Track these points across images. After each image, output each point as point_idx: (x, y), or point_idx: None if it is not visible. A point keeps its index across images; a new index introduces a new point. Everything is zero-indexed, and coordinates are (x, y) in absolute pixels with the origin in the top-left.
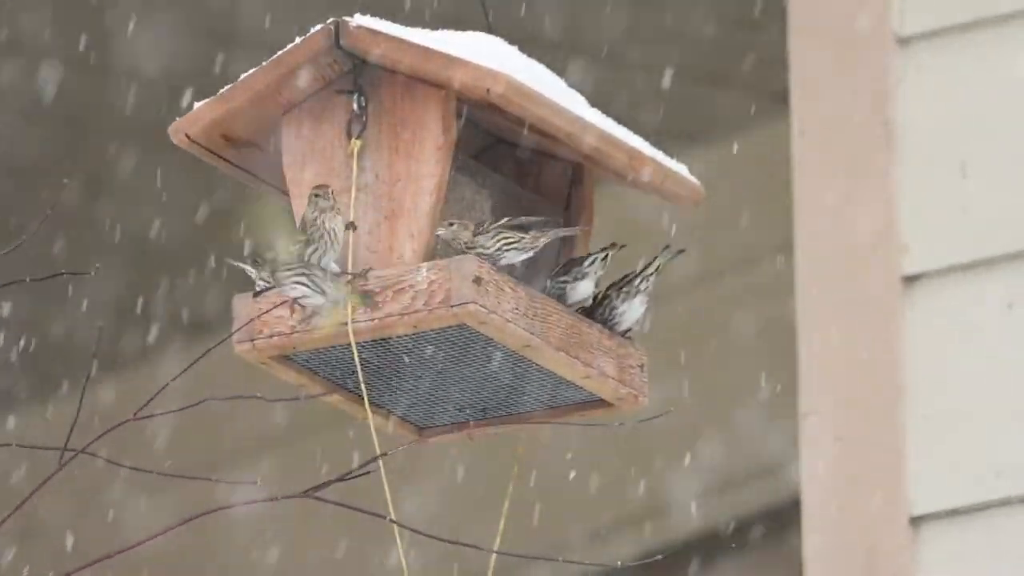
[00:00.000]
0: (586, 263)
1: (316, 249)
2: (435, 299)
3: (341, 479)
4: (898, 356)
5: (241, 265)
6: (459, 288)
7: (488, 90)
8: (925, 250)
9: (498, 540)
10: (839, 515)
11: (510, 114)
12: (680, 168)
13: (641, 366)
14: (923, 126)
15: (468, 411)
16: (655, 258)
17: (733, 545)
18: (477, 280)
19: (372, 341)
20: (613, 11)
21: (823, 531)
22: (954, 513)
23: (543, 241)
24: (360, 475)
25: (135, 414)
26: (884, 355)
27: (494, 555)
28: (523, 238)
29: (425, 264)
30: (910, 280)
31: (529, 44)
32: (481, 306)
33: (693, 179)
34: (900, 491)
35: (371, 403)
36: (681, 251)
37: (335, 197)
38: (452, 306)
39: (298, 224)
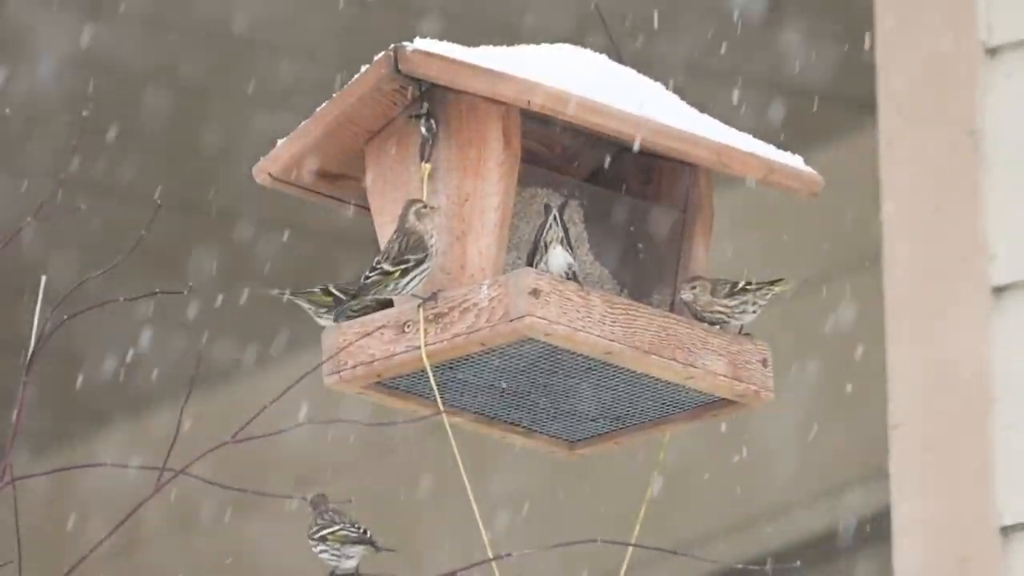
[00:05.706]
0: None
1: (428, 268)
2: (496, 315)
3: None
4: (987, 367)
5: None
6: (516, 302)
7: (529, 101)
8: (1014, 260)
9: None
10: (929, 525)
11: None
12: (791, 160)
13: (763, 361)
14: (1011, 136)
15: (602, 421)
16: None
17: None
18: (535, 292)
19: (469, 361)
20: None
21: (913, 541)
22: None
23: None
24: None
25: (233, 436)
26: (973, 366)
27: (630, 549)
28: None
29: (487, 281)
30: (999, 290)
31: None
32: (540, 318)
33: (807, 170)
34: (989, 501)
35: (505, 422)
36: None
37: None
38: (511, 320)
39: (386, 246)
